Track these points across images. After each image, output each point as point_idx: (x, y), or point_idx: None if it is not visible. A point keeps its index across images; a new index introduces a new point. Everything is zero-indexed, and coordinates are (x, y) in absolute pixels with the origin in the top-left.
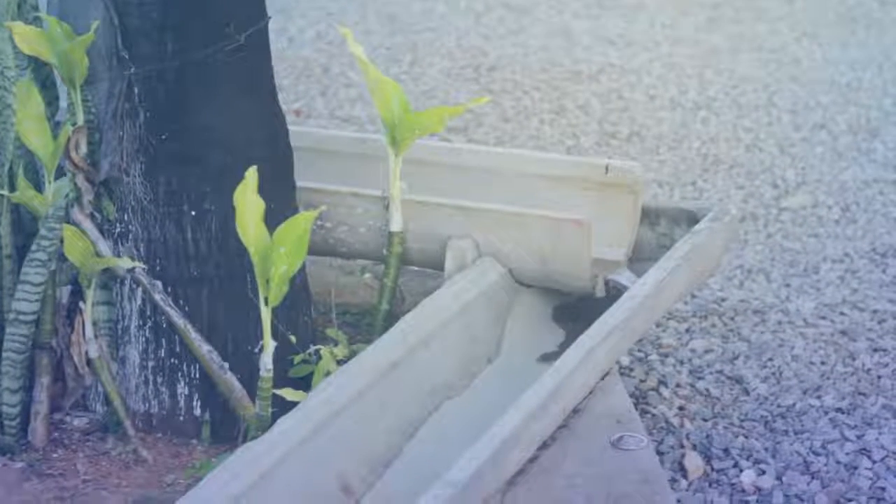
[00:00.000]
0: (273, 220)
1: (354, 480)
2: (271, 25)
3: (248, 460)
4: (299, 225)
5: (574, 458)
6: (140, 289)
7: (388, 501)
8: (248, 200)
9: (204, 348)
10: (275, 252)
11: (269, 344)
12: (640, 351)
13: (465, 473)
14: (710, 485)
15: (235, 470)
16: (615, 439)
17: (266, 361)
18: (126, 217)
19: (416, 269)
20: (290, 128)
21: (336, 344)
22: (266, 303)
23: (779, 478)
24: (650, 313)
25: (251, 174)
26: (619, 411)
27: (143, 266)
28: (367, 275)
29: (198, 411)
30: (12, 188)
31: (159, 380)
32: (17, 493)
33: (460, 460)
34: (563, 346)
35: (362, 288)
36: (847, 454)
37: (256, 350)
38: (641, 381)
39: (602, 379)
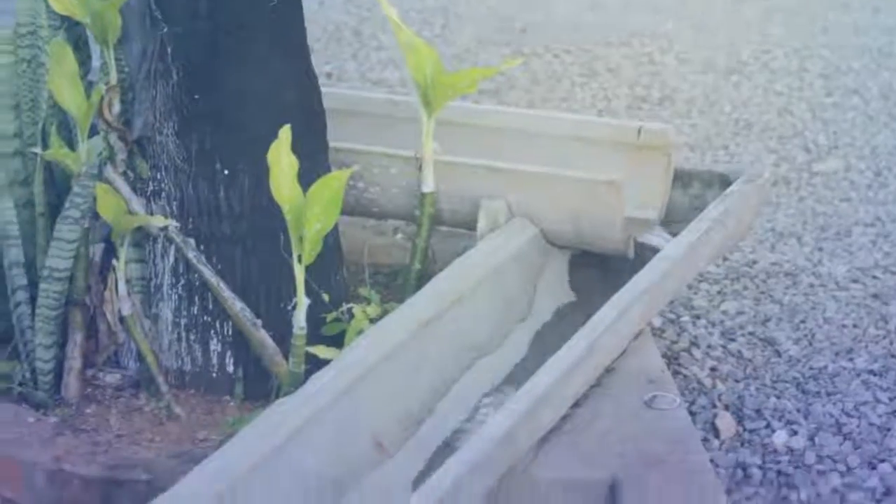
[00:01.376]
0: (306, 179)
1: (387, 438)
2: None
3: (281, 417)
4: (333, 184)
5: (607, 417)
6: (173, 247)
7: (420, 459)
8: (281, 159)
9: (237, 306)
10: (308, 210)
11: (303, 301)
12: (671, 312)
13: (498, 431)
14: (742, 445)
15: (268, 426)
16: (648, 399)
17: (299, 319)
18: (159, 176)
19: (447, 229)
20: (323, 89)
21: (368, 303)
22: (299, 260)
23: (811, 439)
24: (682, 275)
25: (285, 133)
26: (652, 371)
27: (176, 224)
28: (399, 235)
29: (230, 368)
30: (45, 146)
31: (192, 337)
32: (51, 448)
33: (494, 418)
34: (596, 307)
35: (394, 248)
36: (879, 416)
37: (289, 308)
38: (673, 342)
39: (634, 339)
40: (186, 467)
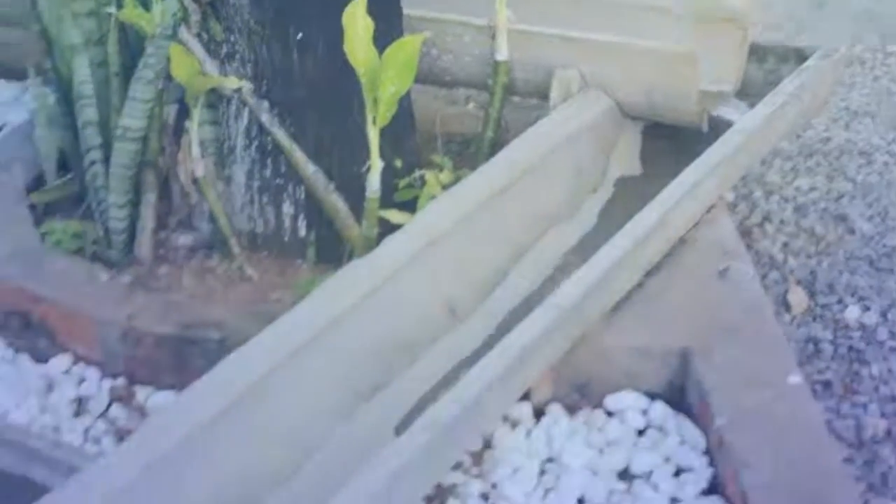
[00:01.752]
0: (381, 42)
1: (459, 302)
2: None
3: (353, 279)
4: (408, 47)
5: (680, 286)
6: (246, 109)
7: (493, 322)
8: (357, 21)
9: (310, 169)
10: (383, 73)
11: (377, 164)
12: (744, 187)
13: (571, 297)
14: (813, 320)
15: (340, 287)
16: (721, 270)
17: (373, 181)
18: (233, 38)
19: (519, 100)
20: None
21: (441, 170)
22: (374, 123)
23: (883, 315)
24: (756, 148)
25: None
26: (726, 243)
27: (250, 85)
28: (471, 105)
29: (303, 232)
30: (120, 7)
31: (264, 200)
32: (124, 306)
33: (567, 283)
34: (668, 179)
35: (466, 118)
36: None
37: (363, 171)
38: (745, 217)
39: (708, 211)
40: (259, 327)
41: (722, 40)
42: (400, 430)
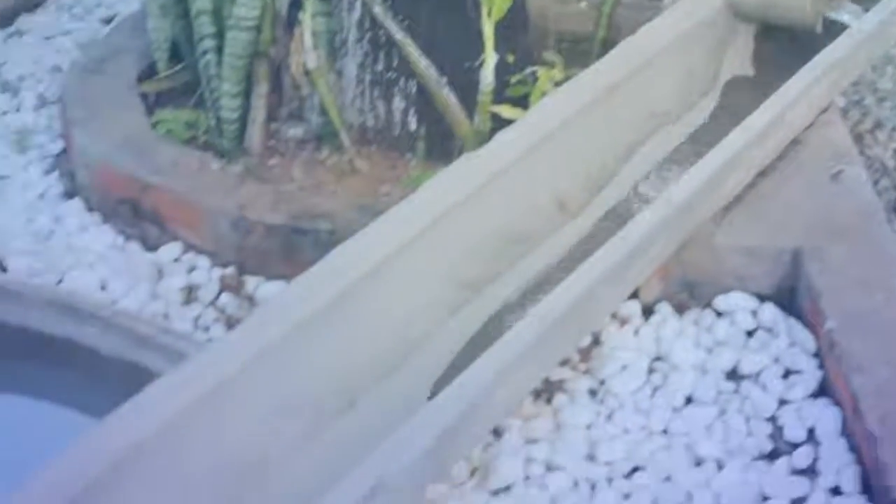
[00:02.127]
0: None
1: (570, 198)
2: None
3: (465, 172)
4: None
5: (792, 187)
6: (359, 1)
7: (603, 219)
8: None
9: (422, 63)
10: None
11: (491, 57)
12: (856, 93)
13: (683, 194)
14: None
15: (452, 180)
16: (834, 173)
17: (486, 75)
18: None
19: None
20: None
21: (553, 66)
22: (489, 15)
23: None
24: (869, 52)
25: None
26: (838, 146)
27: None
28: (584, 3)
29: (413, 126)
30: None
31: (375, 93)
32: (234, 195)
33: (679, 181)
34: (781, 81)
35: (578, 16)
36: None
37: (476, 66)
38: (857, 122)
39: (821, 114)
40: (368, 219)
41: None
42: (505, 327)
